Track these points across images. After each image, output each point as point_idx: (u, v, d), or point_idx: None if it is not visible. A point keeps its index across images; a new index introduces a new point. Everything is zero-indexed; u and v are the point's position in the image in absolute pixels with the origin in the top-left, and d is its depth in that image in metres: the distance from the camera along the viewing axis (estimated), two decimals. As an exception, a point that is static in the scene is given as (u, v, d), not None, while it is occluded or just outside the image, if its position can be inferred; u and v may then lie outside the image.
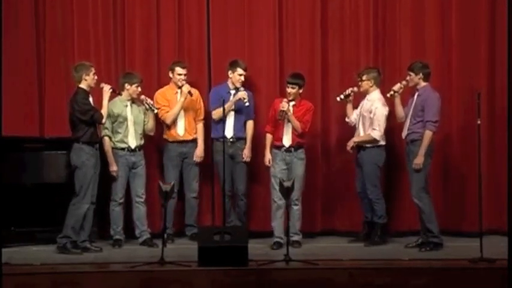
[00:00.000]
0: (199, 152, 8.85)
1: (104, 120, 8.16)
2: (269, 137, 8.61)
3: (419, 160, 8.10)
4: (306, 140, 8.60)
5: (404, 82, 8.33)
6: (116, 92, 8.34)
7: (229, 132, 8.78)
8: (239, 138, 8.83)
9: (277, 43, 9.14)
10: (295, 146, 8.48)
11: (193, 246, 7.82)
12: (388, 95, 8.37)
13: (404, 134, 8.35)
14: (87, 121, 8.06)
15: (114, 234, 8.56)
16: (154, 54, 9.17)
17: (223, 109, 8.45)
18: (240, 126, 8.83)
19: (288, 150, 8.47)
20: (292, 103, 8.42)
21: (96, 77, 8.19)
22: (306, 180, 8.73)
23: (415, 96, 8.28)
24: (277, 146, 8.53)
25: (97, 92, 8.26)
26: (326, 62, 9.15)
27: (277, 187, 8.30)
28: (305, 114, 8.48)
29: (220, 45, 9.17)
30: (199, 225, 8.83)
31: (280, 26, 9.16)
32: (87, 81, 8.13)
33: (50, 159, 8.38)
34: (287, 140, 8.48)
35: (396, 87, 8.33)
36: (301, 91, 8.48)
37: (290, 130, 8.45)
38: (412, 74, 8.26)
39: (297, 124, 8.39)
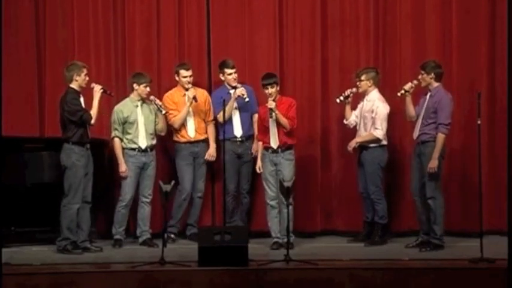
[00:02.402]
0: (212, 151, 8.85)
1: (93, 121, 8.12)
2: (260, 145, 8.56)
3: (433, 164, 8.04)
4: (295, 140, 8.54)
5: (415, 81, 8.25)
6: (107, 93, 8.31)
7: (238, 131, 8.81)
8: (249, 136, 8.83)
9: (277, 43, 9.14)
10: (283, 147, 8.43)
11: (193, 246, 7.82)
12: (399, 94, 8.29)
13: (415, 134, 8.29)
14: (76, 122, 8.05)
15: (116, 233, 8.56)
16: (154, 54, 9.17)
17: (224, 110, 8.45)
18: (247, 124, 8.83)
19: (275, 151, 8.44)
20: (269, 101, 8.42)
21: (87, 78, 8.17)
22: (306, 180, 8.72)
23: (427, 97, 8.23)
24: (265, 147, 8.49)
25: (89, 92, 8.24)
26: (326, 62, 9.15)
27: (268, 189, 8.37)
28: (288, 110, 8.41)
29: (220, 46, 9.17)
30: (199, 225, 8.83)
31: (280, 26, 9.16)
32: (77, 81, 8.13)
33: (50, 159, 8.37)
34: (274, 142, 8.40)
35: (407, 86, 8.27)
36: (278, 88, 8.45)
37: (276, 132, 8.39)
38: (423, 73, 8.21)
39: (285, 121, 8.34)
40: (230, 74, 8.76)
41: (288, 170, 8.37)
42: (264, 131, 8.49)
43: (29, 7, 9.14)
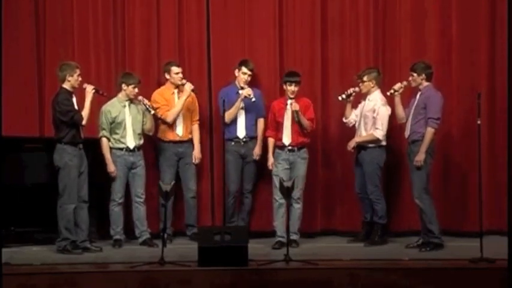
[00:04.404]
0: (197, 153, 8.85)
1: (84, 122, 8.11)
2: (271, 141, 8.64)
3: (420, 157, 8.08)
4: (309, 138, 8.61)
5: (405, 82, 8.32)
6: (99, 93, 8.31)
7: (241, 132, 8.82)
8: (252, 137, 8.84)
9: (277, 43, 9.14)
10: (298, 146, 8.50)
11: (193, 246, 7.82)
12: (388, 94, 8.38)
13: (406, 134, 8.34)
14: (67, 122, 8.05)
15: (114, 234, 8.57)
16: (154, 54, 9.17)
17: (224, 110, 8.46)
18: (251, 125, 8.84)
19: (291, 150, 8.50)
20: (290, 101, 8.45)
21: (80, 78, 8.16)
22: (306, 180, 8.72)
23: (417, 96, 8.27)
24: (279, 146, 8.55)
25: (83, 92, 8.21)
26: (326, 62, 9.15)
27: (278, 186, 8.32)
28: (306, 111, 8.51)
29: (220, 45, 9.17)
30: (199, 225, 8.83)
31: (280, 26, 9.16)
32: (70, 81, 8.12)
33: (49, 160, 8.35)
34: (287, 139, 8.50)
35: (397, 86, 8.32)
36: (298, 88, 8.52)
37: (290, 129, 8.48)
38: (414, 74, 8.26)
39: (307, 123, 8.43)
40: (245, 73, 8.76)
41: (302, 169, 8.50)
42: (276, 127, 8.55)
43: (29, 7, 9.13)
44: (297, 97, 8.53)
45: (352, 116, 8.68)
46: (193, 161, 8.84)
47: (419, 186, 8.17)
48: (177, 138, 8.81)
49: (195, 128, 8.91)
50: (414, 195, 8.21)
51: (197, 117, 8.93)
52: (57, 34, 9.15)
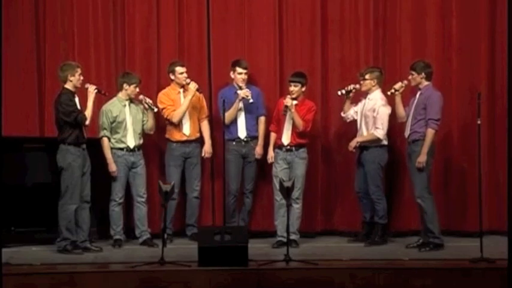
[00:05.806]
0: (207, 148, 8.86)
1: (88, 122, 8.11)
2: (273, 135, 8.68)
3: (422, 158, 8.08)
4: (308, 140, 8.63)
5: (405, 81, 8.33)
6: (101, 92, 8.31)
7: (242, 132, 8.83)
8: (253, 137, 8.84)
9: (277, 43, 9.15)
10: (296, 146, 8.51)
11: (193, 246, 7.82)
12: (389, 93, 8.38)
13: (406, 133, 8.34)
14: (71, 122, 8.05)
15: (114, 234, 8.57)
16: (154, 54, 9.17)
17: (224, 111, 8.47)
18: (252, 125, 8.85)
19: (288, 149, 8.52)
20: (294, 102, 8.45)
21: (81, 78, 8.16)
22: (306, 180, 8.73)
23: (417, 95, 8.28)
24: (279, 145, 8.57)
25: (85, 92, 8.21)
26: (326, 62, 9.16)
27: (278, 186, 8.33)
28: (307, 113, 8.53)
29: (220, 45, 9.18)
30: (199, 226, 8.83)
31: (280, 26, 9.16)
32: (72, 81, 8.11)
33: (50, 160, 8.36)
34: (286, 138, 8.53)
35: (397, 85, 8.33)
36: (303, 89, 8.53)
37: (290, 128, 8.52)
38: (414, 73, 8.26)
39: (300, 122, 8.42)
40: (240, 73, 8.76)
41: (301, 168, 8.51)
42: (278, 122, 8.58)
43: (29, 7, 9.13)
44: (303, 99, 8.54)
45: (351, 112, 8.68)
46: (203, 155, 8.84)
47: (421, 186, 8.16)
48: (184, 138, 8.80)
49: (205, 124, 8.91)
50: (416, 195, 8.20)
51: (205, 114, 8.93)
52: (57, 34, 9.15)
